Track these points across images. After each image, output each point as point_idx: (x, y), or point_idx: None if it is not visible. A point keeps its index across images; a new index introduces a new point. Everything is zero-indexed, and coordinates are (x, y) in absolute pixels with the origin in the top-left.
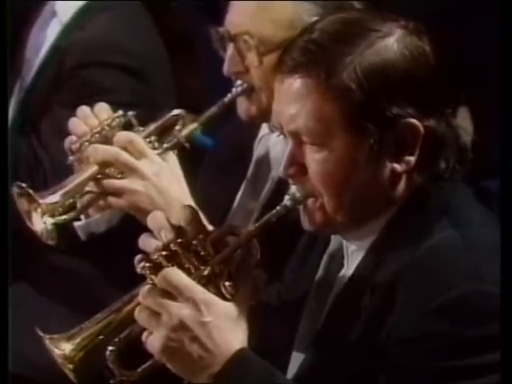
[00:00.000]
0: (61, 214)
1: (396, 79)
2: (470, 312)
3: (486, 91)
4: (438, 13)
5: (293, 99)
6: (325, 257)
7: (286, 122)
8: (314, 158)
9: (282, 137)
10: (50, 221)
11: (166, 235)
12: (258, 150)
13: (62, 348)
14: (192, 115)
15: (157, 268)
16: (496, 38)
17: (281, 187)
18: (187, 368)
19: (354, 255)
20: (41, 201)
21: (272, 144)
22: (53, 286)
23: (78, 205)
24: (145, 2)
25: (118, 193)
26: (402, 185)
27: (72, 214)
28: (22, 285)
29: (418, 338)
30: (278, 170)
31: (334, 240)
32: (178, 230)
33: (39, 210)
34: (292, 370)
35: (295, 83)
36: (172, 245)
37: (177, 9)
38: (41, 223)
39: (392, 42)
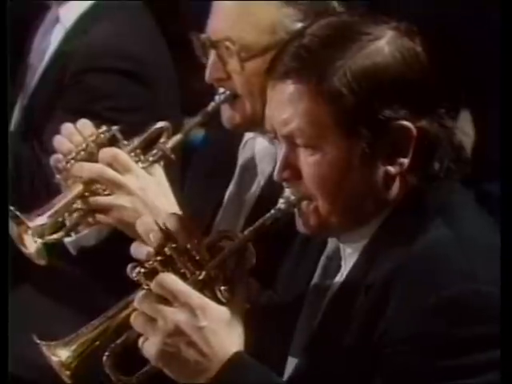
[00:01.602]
0: (51, 234)
1: (387, 82)
2: (465, 311)
3: (487, 93)
4: (434, 13)
5: (285, 104)
6: (322, 259)
7: (279, 125)
8: (307, 161)
9: (266, 141)
10: (39, 241)
11: (156, 238)
12: (243, 155)
13: (59, 355)
14: (177, 126)
15: (152, 273)
16: (496, 38)
17: (267, 192)
18: (184, 373)
19: (350, 258)
20: (29, 224)
21: (257, 148)
22: (53, 288)
23: (68, 223)
24: (148, 6)
25: (104, 209)
26: (395, 186)
27: (61, 233)
28: (22, 286)
29: (412, 337)
30: (263, 176)
31: (331, 243)
32: (170, 235)
33: (29, 232)
34: (288, 372)
35: (287, 89)
36: (167, 250)
37: (180, 12)
38: (32, 244)
39: (383, 44)
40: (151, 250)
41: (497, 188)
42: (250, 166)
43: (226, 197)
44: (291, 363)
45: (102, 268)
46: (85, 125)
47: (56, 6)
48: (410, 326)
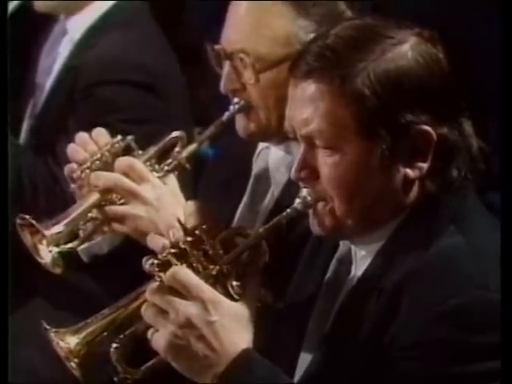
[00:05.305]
0: (66, 243)
1: (410, 86)
2: (475, 318)
3: (487, 101)
4: (438, 13)
5: (306, 103)
6: (333, 261)
7: (299, 125)
8: (326, 162)
9: (280, 151)
10: (55, 250)
11: (175, 234)
12: (256, 164)
13: (68, 341)
14: (191, 135)
15: (165, 266)
16: (496, 45)
17: (282, 203)
18: (192, 367)
19: (362, 260)
20: (45, 232)
21: (271, 158)
22: (54, 295)
23: (82, 232)
24: (156, 17)
25: (120, 219)
26: (413, 191)
27: (76, 242)
28: (22, 294)
29: (422, 343)
30: (277, 187)
31: (343, 245)
32: (187, 229)
33: (44, 241)
34: (300, 372)
35: (309, 88)
36: (181, 243)
37: (187, 22)
38: (47, 254)
39: (406, 49)
40: (167, 242)
41: (497, 198)
42: (264, 177)
43: (240, 207)
44: (303, 361)
45: (113, 276)
46: (100, 134)
47: (64, 18)
48: (421, 331)
